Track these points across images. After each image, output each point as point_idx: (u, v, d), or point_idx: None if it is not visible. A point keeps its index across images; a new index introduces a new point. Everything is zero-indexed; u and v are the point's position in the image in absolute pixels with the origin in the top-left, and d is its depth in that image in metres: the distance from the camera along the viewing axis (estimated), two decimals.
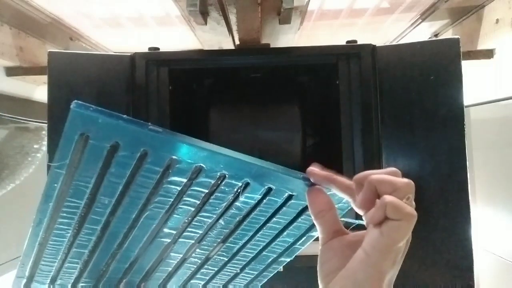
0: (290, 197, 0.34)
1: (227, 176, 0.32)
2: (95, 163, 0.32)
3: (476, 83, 0.89)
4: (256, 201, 0.35)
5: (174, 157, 0.31)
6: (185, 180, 0.33)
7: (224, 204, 0.35)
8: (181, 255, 0.42)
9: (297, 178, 0.32)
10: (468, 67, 0.88)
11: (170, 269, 0.44)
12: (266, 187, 0.33)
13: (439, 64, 0.59)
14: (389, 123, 0.59)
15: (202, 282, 0.46)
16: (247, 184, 0.33)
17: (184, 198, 0.35)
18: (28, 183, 1.02)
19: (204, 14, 0.55)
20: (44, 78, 0.81)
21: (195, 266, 0.44)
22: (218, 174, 0.32)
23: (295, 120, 0.69)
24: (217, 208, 0.36)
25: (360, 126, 0.60)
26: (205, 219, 0.38)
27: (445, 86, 0.59)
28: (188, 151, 0.30)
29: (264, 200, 0.35)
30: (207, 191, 0.34)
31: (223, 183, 0.33)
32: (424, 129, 0.59)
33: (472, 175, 0.93)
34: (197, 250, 0.42)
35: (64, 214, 0.36)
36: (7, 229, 0.94)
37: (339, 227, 0.32)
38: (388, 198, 0.25)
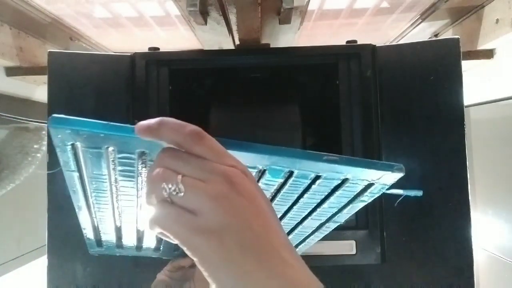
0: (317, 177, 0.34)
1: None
2: (100, 164, 0.32)
3: (476, 83, 0.89)
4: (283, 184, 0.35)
5: None
6: None
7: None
8: None
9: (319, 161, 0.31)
10: (468, 67, 0.88)
11: None
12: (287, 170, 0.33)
13: (439, 64, 0.59)
14: (389, 123, 0.59)
15: None
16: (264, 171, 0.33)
17: None
18: (28, 183, 1.02)
19: (204, 14, 0.55)
20: (44, 78, 0.81)
21: None
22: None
23: (295, 120, 0.69)
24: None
25: (360, 126, 0.60)
26: None
27: (445, 86, 0.59)
28: None
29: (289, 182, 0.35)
30: None
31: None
32: (424, 129, 0.59)
33: (472, 175, 0.93)
34: None
35: (97, 199, 0.39)
36: (7, 229, 0.94)
37: None
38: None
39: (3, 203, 0.97)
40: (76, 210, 0.42)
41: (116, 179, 0.35)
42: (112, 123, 0.26)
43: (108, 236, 0.48)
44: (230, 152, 0.26)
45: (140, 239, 0.49)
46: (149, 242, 0.50)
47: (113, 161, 0.32)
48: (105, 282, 0.59)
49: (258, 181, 0.34)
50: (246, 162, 0.31)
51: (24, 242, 0.94)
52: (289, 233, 0.46)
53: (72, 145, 0.29)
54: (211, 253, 0.21)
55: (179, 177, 0.22)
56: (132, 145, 0.29)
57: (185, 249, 0.22)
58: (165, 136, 0.23)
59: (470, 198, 0.58)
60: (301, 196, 0.37)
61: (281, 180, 0.34)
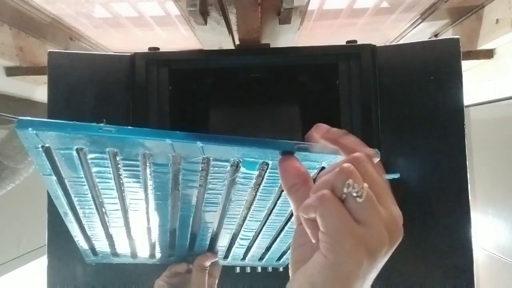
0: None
1: (211, 159, 0.32)
2: (74, 166, 0.32)
3: (476, 83, 0.89)
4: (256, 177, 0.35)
5: (144, 151, 0.31)
6: (169, 169, 0.33)
7: (222, 183, 0.36)
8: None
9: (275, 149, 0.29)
10: (468, 67, 0.88)
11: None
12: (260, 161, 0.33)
13: (439, 64, 0.59)
14: (389, 123, 0.59)
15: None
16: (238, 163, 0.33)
17: (182, 185, 0.36)
18: (28, 183, 1.02)
19: (204, 14, 0.55)
20: (44, 78, 0.81)
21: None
22: (201, 158, 0.32)
23: (295, 120, 0.69)
24: (217, 189, 0.37)
25: (360, 126, 0.60)
26: (214, 202, 0.39)
27: (445, 86, 0.59)
28: (151, 144, 0.29)
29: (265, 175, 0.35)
30: (198, 175, 0.34)
31: (211, 165, 0.33)
32: (424, 129, 0.59)
33: (472, 175, 0.93)
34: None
35: (80, 203, 0.39)
36: (7, 229, 0.94)
37: None
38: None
39: (3, 203, 0.97)
40: (63, 217, 0.41)
41: (94, 182, 0.35)
42: (76, 122, 0.26)
43: (101, 243, 0.47)
44: (201, 144, 0.28)
45: (133, 246, 0.49)
46: (143, 249, 0.50)
47: (86, 163, 0.32)
48: (105, 282, 0.59)
49: (234, 174, 0.34)
50: (218, 155, 0.31)
51: (24, 242, 0.93)
52: (280, 231, 0.46)
53: (43, 147, 0.29)
54: (350, 263, 0.21)
55: (366, 184, 0.22)
56: (101, 144, 0.29)
57: (327, 242, 0.22)
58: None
59: (470, 198, 0.58)
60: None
61: (256, 172, 0.34)
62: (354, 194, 0.22)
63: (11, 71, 0.83)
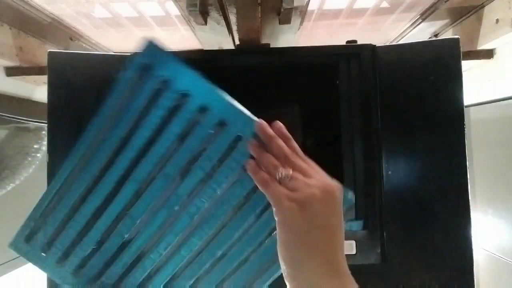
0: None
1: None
2: (142, 99, 0.40)
3: (476, 83, 0.89)
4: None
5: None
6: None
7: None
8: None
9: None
10: (468, 67, 0.88)
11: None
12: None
13: (439, 64, 0.59)
14: (389, 123, 0.59)
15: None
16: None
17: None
18: (28, 183, 1.02)
19: (204, 14, 0.55)
20: (44, 78, 0.80)
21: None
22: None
23: (295, 120, 0.69)
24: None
25: (360, 126, 0.60)
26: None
27: (445, 86, 0.59)
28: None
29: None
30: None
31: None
32: (424, 129, 0.59)
33: (472, 175, 0.93)
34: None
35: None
36: (7, 229, 0.94)
37: None
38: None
39: (3, 203, 0.97)
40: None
41: None
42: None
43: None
44: None
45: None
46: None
47: None
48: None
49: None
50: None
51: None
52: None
53: (145, 67, 0.41)
54: (292, 215, 0.32)
55: (290, 170, 0.35)
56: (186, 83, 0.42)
57: (276, 209, 0.34)
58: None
59: (470, 198, 0.58)
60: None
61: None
62: (284, 176, 0.35)
63: (11, 71, 0.83)
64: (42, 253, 0.44)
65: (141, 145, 0.41)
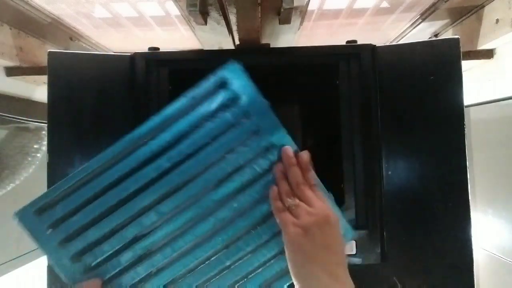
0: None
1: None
2: (211, 107, 0.44)
3: (476, 83, 0.89)
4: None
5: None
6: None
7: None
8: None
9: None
10: (468, 67, 0.88)
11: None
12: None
13: (439, 64, 0.59)
14: (389, 123, 0.59)
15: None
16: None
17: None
18: (28, 183, 1.02)
19: (204, 14, 0.55)
20: (44, 78, 0.81)
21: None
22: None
23: (295, 120, 0.69)
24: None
25: (360, 126, 0.60)
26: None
27: (445, 86, 0.59)
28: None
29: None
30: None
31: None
32: (424, 129, 0.59)
33: (472, 175, 0.93)
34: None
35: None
36: (7, 229, 0.94)
37: None
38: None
39: (3, 203, 0.97)
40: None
41: None
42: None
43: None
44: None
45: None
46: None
47: None
48: None
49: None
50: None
51: (24, 242, 0.93)
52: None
53: (223, 82, 0.48)
54: (297, 238, 0.39)
55: (297, 200, 0.41)
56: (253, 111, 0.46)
57: (284, 233, 0.40)
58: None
59: (470, 198, 0.58)
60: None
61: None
62: (292, 205, 0.41)
63: (11, 71, 0.83)
64: (48, 230, 0.43)
65: (191, 148, 0.43)
